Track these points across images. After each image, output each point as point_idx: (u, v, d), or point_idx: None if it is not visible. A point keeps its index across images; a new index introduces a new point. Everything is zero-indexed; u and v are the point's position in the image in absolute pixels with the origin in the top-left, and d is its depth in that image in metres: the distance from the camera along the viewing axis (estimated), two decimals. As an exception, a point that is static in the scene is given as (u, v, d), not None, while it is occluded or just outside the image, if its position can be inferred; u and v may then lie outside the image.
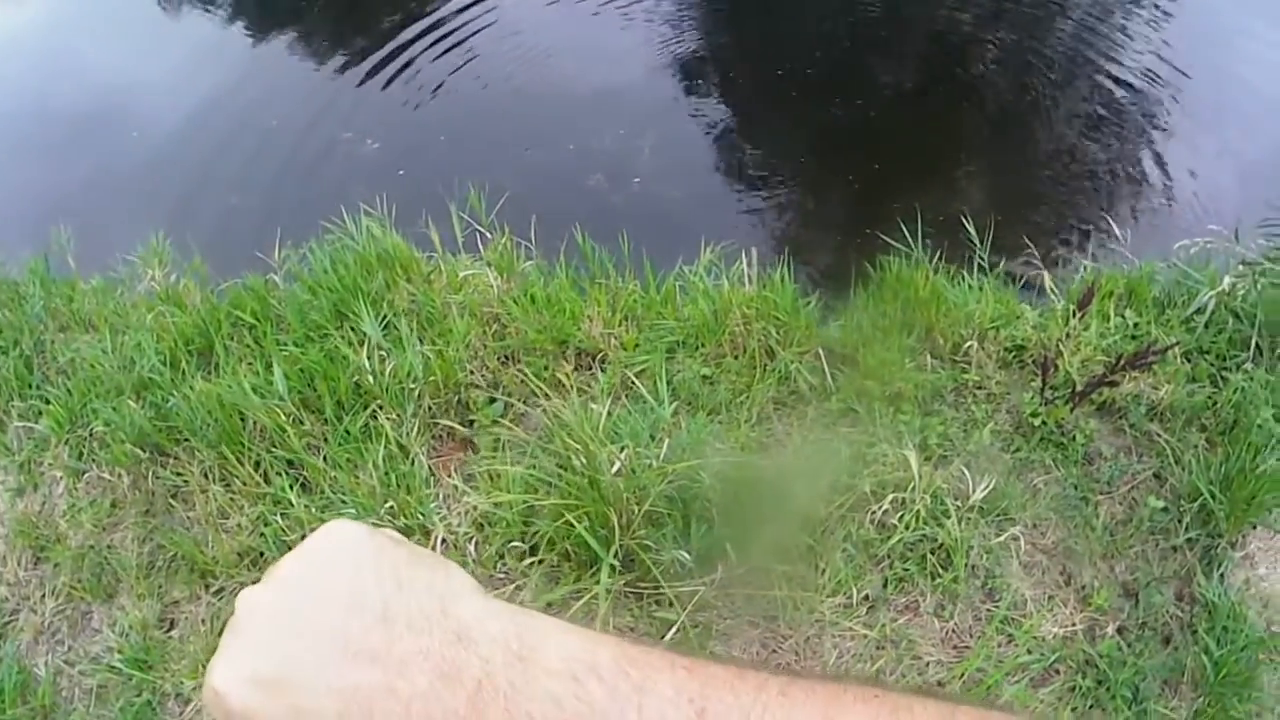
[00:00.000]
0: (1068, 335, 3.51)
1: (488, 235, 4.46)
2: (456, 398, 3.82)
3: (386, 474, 3.47)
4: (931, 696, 0.75)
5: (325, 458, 3.70)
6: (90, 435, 4.17)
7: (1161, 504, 3.31)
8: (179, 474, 3.92)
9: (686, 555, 3.01)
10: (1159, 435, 3.45)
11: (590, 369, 3.89)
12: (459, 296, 4.14)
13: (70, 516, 4.08)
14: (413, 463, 3.55)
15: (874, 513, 3.23)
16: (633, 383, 3.67)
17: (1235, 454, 3.28)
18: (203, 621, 3.65)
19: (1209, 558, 3.21)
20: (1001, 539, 3.22)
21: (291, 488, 3.63)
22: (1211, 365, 3.61)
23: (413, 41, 7.42)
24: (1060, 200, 5.56)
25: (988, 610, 3.12)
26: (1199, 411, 3.48)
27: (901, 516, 3.21)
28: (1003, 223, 4.18)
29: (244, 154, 6.52)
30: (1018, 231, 4.67)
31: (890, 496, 3.23)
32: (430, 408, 3.77)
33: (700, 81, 6.96)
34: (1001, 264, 4.05)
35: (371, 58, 7.30)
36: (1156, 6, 7.35)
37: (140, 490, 4.01)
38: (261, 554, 3.67)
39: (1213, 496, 3.24)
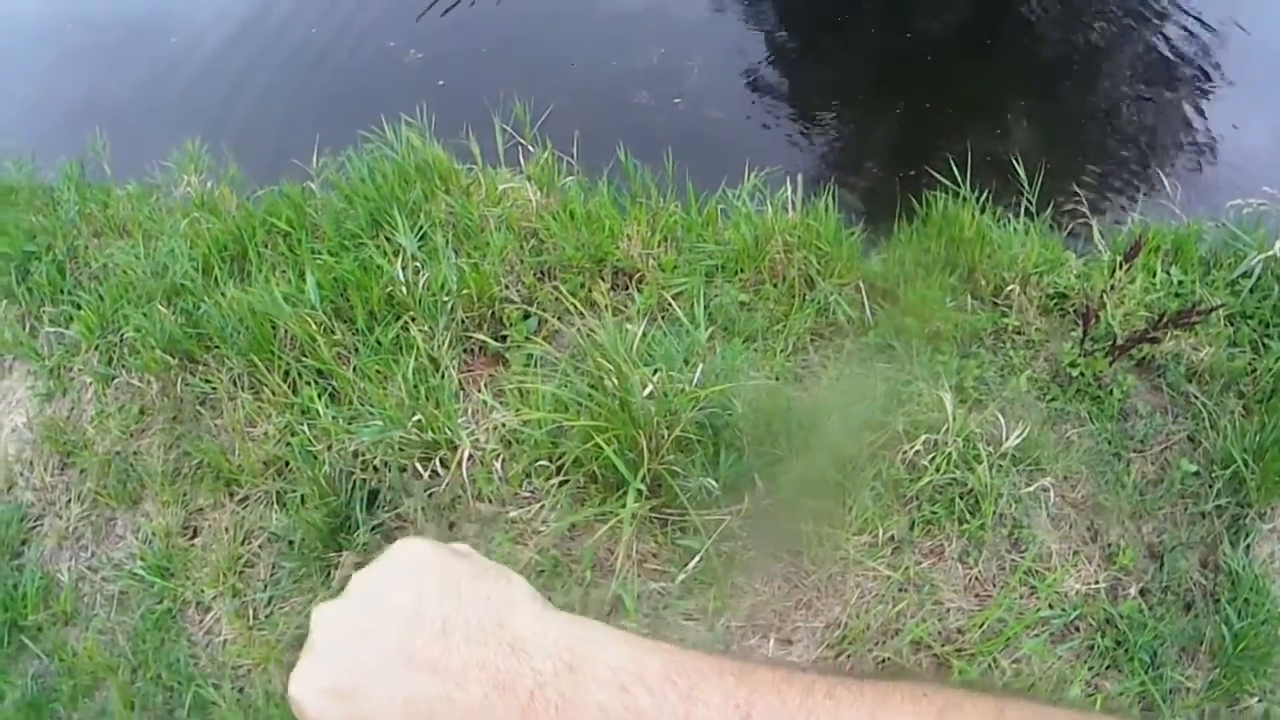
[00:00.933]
0: (1112, 287, 3.45)
1: (530, 149, 4.42)
2: (490, 312, 3.79)
3: (415, 387, 3.45)
4: (983, 693, 0.76)
5: (355, 368, 3.69)
6: (120, 341, 4.18)
7: (1194, 468, 3.26)
8: (208, 381, 3.93)
9: (714, 483, 2.99)
10: (1196, 397, 3.39)
11: (627, 289, 3.85)
12: (497, 210, 4.10)
13: (98, 422, 4.10)
14: (443, 376, 3.54)
15: (905, 453, 3.20)
16: (669, 305, 3.64)
17: (1272, 423, 3.21)
18: (226, 530, 3.66)
19: (1237, 527, 3.17)
20: (1031, 489, 3.19)
21: (319, 397, 3.62)
22: (1254, 331, 3.55)
23: None
24: (1112, 150, 5.46)
25: (1012, 560, 3.09)
26: (1238, 377, 3.42)
27: (933, 458, 3.17)
28: (1052, 169, 4.08)
29: (283, 62, 6.50)
30: (1067, 179, 4.61)
31: (923, 437, 3.19)
32: (463, 321, 3.75)
33: (749, 3, 6.86)
34: (1049, 210, 3.94)
35: None
36: None
37: (168, 397, 4.02)
38: (286, 463, 3.67)
39: (1245, 465, 3.19)
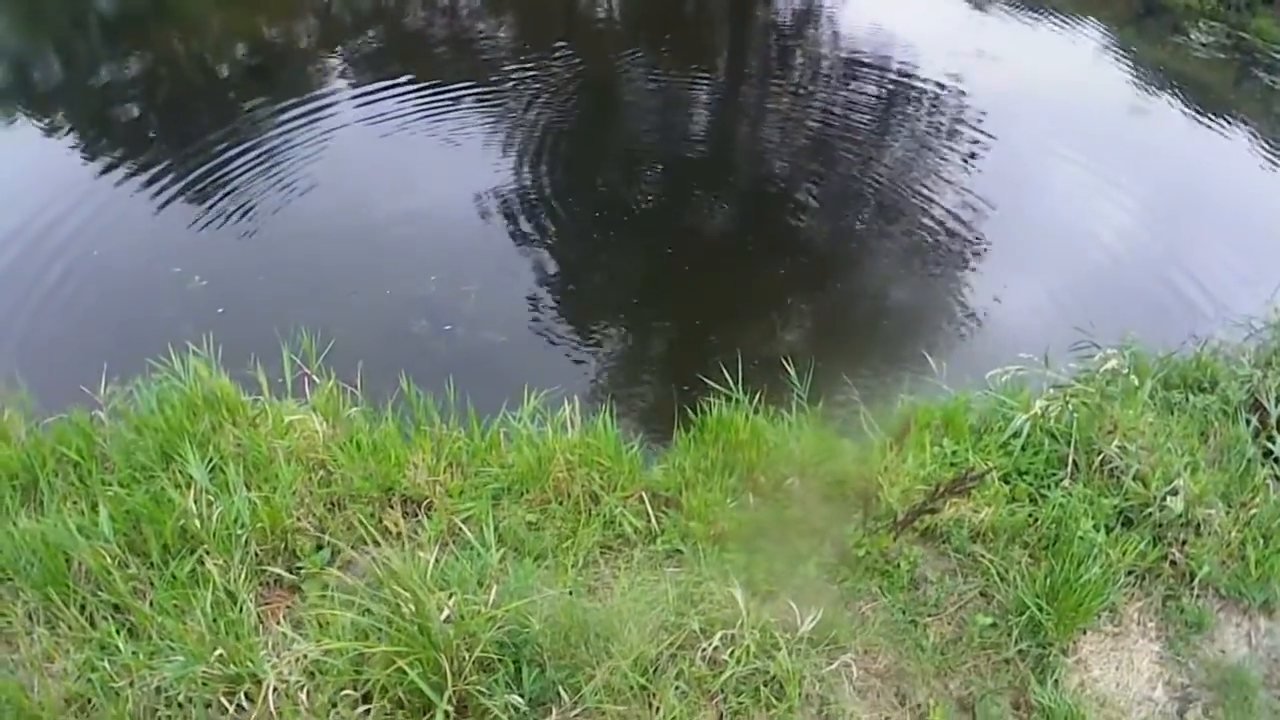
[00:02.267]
0: (886, 468, 3.63)
1: (316, 380, 4.43)
2: (284, 544, 3.75)
3: (215, 621, 3.36)
4: None
5: (151, 602, 3.57)
6: None
7: (990, 620, 3.43)
8: (2, 614, 3.74)
9: (520, 700, 2.99)
10: (983, 555, 3.58)
11: (416, 515, 3.87)
12: (285, 441, 4.08)
13: None
14: (241, 610, 3.44)
15: (704, 650, 3.26)
16: (459, 529, 3.68)
17: (1059, 566, 3.44)
18: (28, 773, 3.47)
19: (1041, 666, 3.35)
20: (834, 666, 3.28)
21: (118, 633, 3.49)
22: (1030, 485, 3.79)
23: (240, 177, 7.62)
24: (876, 337, 5.94)
25: (822, 736, 3.16)
26: (1020, 529, 3.63)
27: (732, 652, 3.24)
28: (821, 363, 4.34)
29: (65, 285, 6.42)
30: (836, 370, 4.86)
31: (719, 633, 3.27)
32: (257, 554, 3.69)
33: (520, 227, 7.22)
34: (821, 402, 4.21)
35: (202, 194, 7.44)
36: (964, 152, 8.06)
37: (-38, 630, 3.82)
38: (88, 700, 3.50)
39: (1040, 609, 3.38)
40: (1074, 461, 3.81)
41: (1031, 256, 6.61)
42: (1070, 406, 3.86)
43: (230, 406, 4.21)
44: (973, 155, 7.92)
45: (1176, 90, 9.89)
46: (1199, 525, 3.72)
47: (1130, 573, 3.63)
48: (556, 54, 10.09)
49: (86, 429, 4.26)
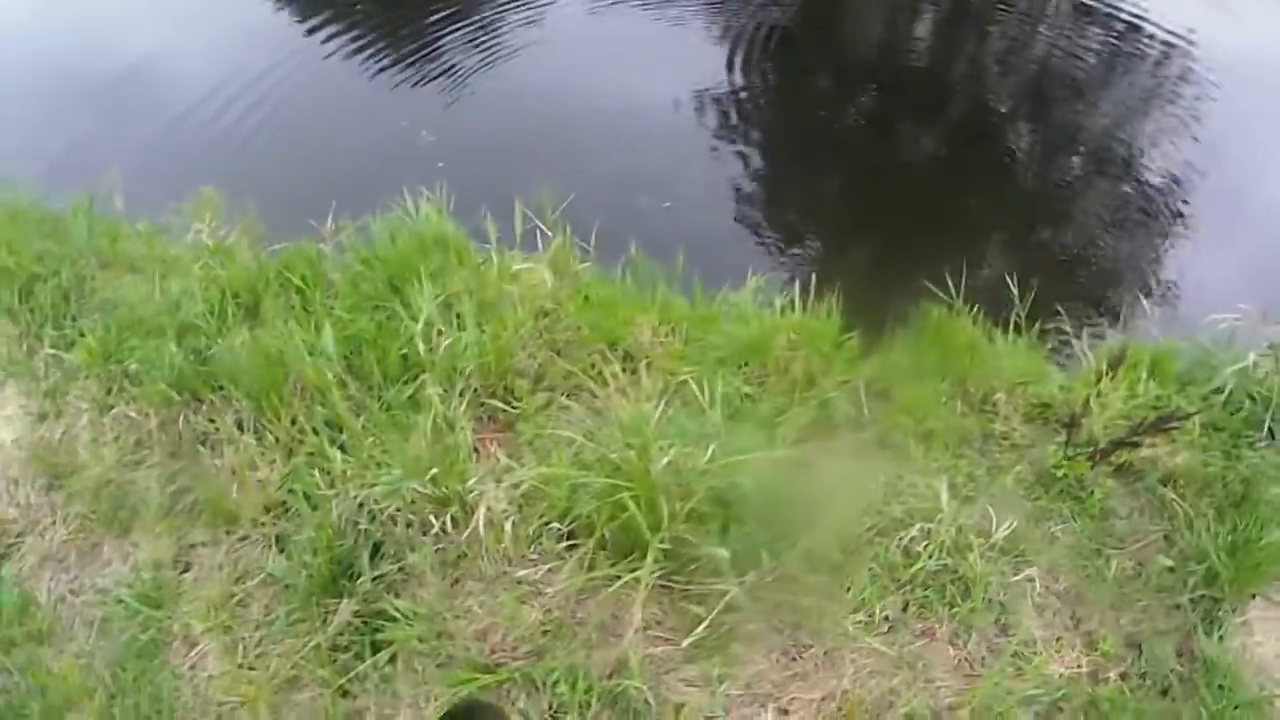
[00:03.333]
0: (1098, 394, 3.67)
1: (548, 234, 4.56)
2: (503, 383, 3.92)
3: (433, 444, 3.52)
4: None
5: (366, 422, 3.75)
6: (124, 373, 4.18)
7: (1170, 563, 3.48)
8: (211, 420, 3.96)
9: (724, 553, 3.11)
10: (1172, 500, 3.62)
11: (635, 372, 3.99)
12: (513, 287, 4.23)
13: (92, 449, 4.06)
14: (458, 436, 3.61)
15: (901, 539, 3.38)
16: (678, 389, 3.79)
17: (1244, 524, 3.47)
18: (220, 567, 3.65)
19: (1211, 618, 3.38)
20: (1018, 578, 3.38)
21: (331, 445, 3.67)
22: (1226, 442, 3.80)
23: (457, 43, 7.82)
24: (1091, 275, 5.88)
25: (1000, 643, 3.26)
26: (1211, 482, 3.66)
27: (926, 545, 3.36)
28: (1038, 288, 4.34)
29: (297, 127, 6.64)
30: (1050, 300, 4.86)
31: (918, 525, 3.39)
32: (477, 389, 3.86)
33: (736, 121, 7.29)
34: (1035, 326, 4.24)
35: (419, 57, 7.67)
36: (1186, 112, 7.77)
37: (168, 433, 4.02)
38: (289, 509, 3.69)
39: (1219, 560, 3.42)
40: (1270, 427, 3.82)
41: (1243, 229, 6.42)
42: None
43: (459, 250, 4.38)
44: (1192, 118, 7.66)
45: None
46: None
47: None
48: None
49: (313, 257, 4.47)
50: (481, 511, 3.33)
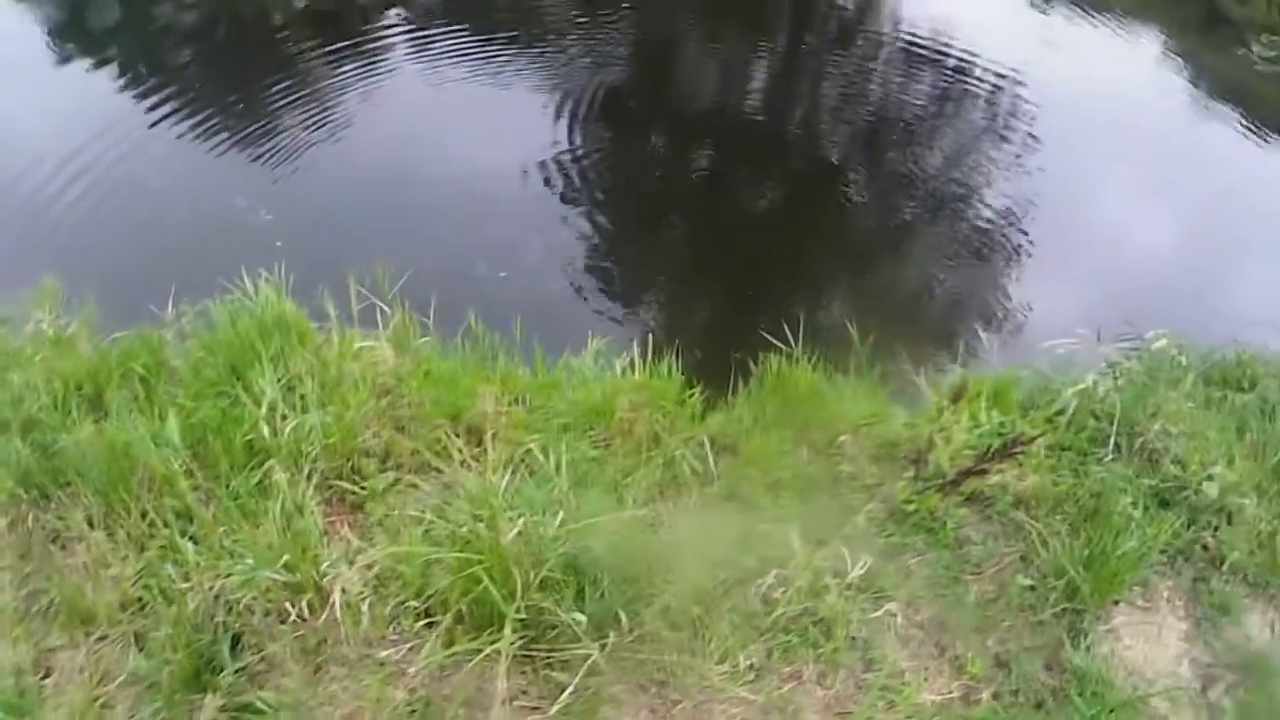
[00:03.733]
0: (941, 429, 3.75)
1: (386, 310, 4.54)
2: (350, 464, 3.86)
3: (283, 529, 3.45)
4: None
5: (216, 511, 3.67)
6: None
7: (1029, 582, 3.59)
8: (61, 518, 3.83)
9: (582, 618, 3.09)
10: (1025, 521, 3.72)
11: (480, 444, 3.97)
12: (354, 366, 4.20)
13: None
14: (308, 520, 3.54)
15: (758, 587, 3.40)
16: (524, 459, 3.79)
17: (1098, 536, 3.59)
18: (81, 670, 3.52)
19: (1075, 630, 3.49)
20: (878, 614, 3.42)
21: (182, 538, 3.58)
22: (1073, 460, 3.92)
23: (295, 119, 7.81)
24: (930, 313, 6.09)
25: (867, 679, 3.29)
26: (1062, 500, 3.79)
27: (784, 591, 3.38)
28: (876, 332, 4.46)
29: (137, 209, 6.56)
30: (890, 340, 4.94)
31: (773, 572, 3.41)
32: (324, 471, 3.80)
33: (574, 185, 7.38)
34: (877, 368, 4.37)
35: (257, 134, 7.60)
36: (1016, 148, 8.19)
37: (17, 532, 3.86)
38: (144, 604, 3.58)
39: (1078, 574, 3.53)
40: (1115, 441, 3.95)
41: (1076, 257, 6.74)
42: (1119, 384, 4.00)
43: (300, 330, 4.32)
44: (1021, 154, 8.02)
45: (1233, 102, 9.89)
46: (1231, 513, 3.88)
47: (1164, 552, 3.77)
48: (616, 15, 10.17)
49: (153, 345, 4.37)
50: (337, 595, 3.27)
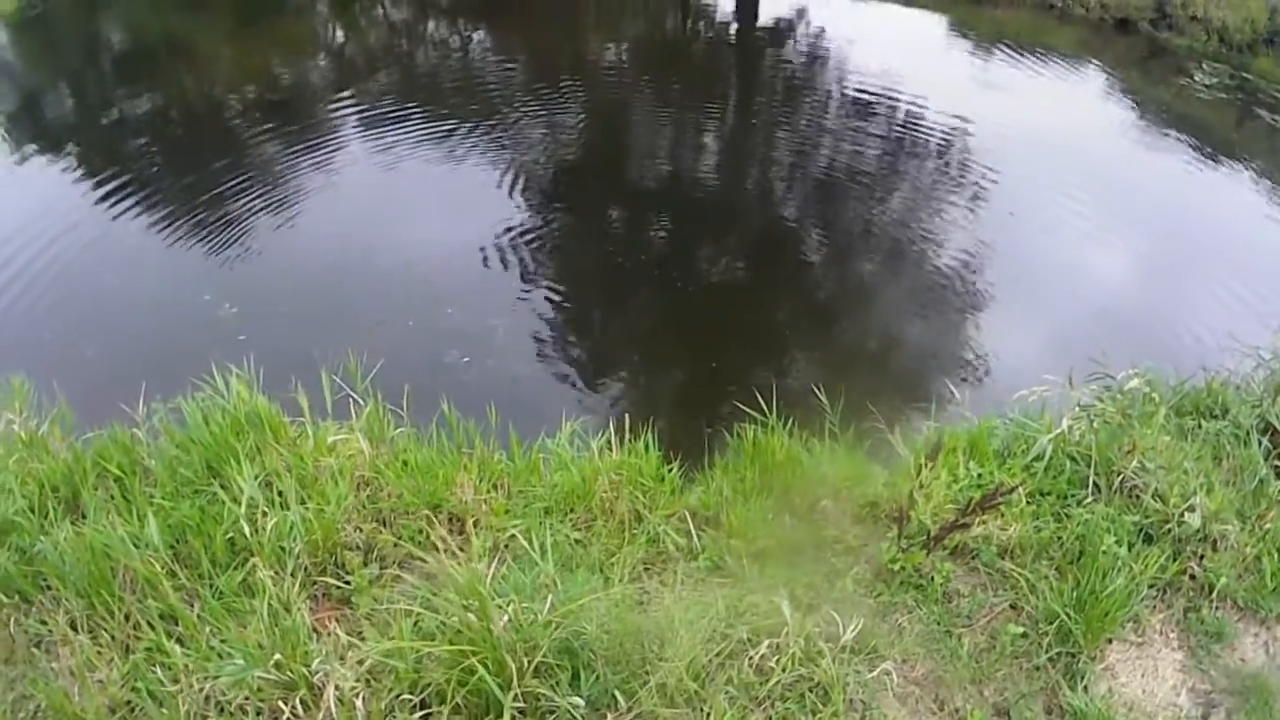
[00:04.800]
0: (920, 485, 3.78)
1: (360, 401, 4.53)
2: (333, 559, 3.85)
3: (271, 628, 3.42)
4: None
5: (200, 611, 3.63)
6: None
7: (1021, 630, 3.60)
8: (43, 622, 3.78)
9: (579, 701, 3.08)
10: (1011, 570, 3.74)
11: (463, 532, 3.98)
12: (331, 459, 4.19)
13: None
14: (295, 618, 3.51)
15: (752, 657, 3.38)
16: (507, 545, 3.81)
17: (1085, 578, 3.62)
18: (73, 781, 3.48)
19: (1071, 672, 3.52)
20: (875, 674, 3.41)
21: (168, 639, 3.54)
22: (1054, 505, 3.96)
23: (253, 210, 7.93)
24: (900, 370, 6.13)
25: (864, 742, 3.28)
26: (1046, 545, 3.83)
27: (778, 660, 3.36)
28: (849, 390, 4.52)
29: (99, 304, 6.59)
30: (863, 396, 4.98)
31: (766, 642, 3.39)
32: (307, 567, 3.78)
33: (532, 263, 7.47)
34: (851, 428, 4.41)
35: (215, 225, 7.70)
36: (970, 193, 8.44)
37: (-1, 637, 3.84)
38: (135, 708, 3.54)
39: (1069, 617, 3.56)
40: (1094, 482, 3.99)
41: (1038, 298, 6.85)
42: (1094, 425, 4.04)
43: (273, 425, 4.31)
44: (977, 197, 8.17)
45: (1180, 131, 10.16)
46: (1215, 541, 3.92)
47: (1152, 585, 3.81)
48: (565, 92, 10.43)
49: (127, 444, 4.35)
50: (330, 692, 3.23)
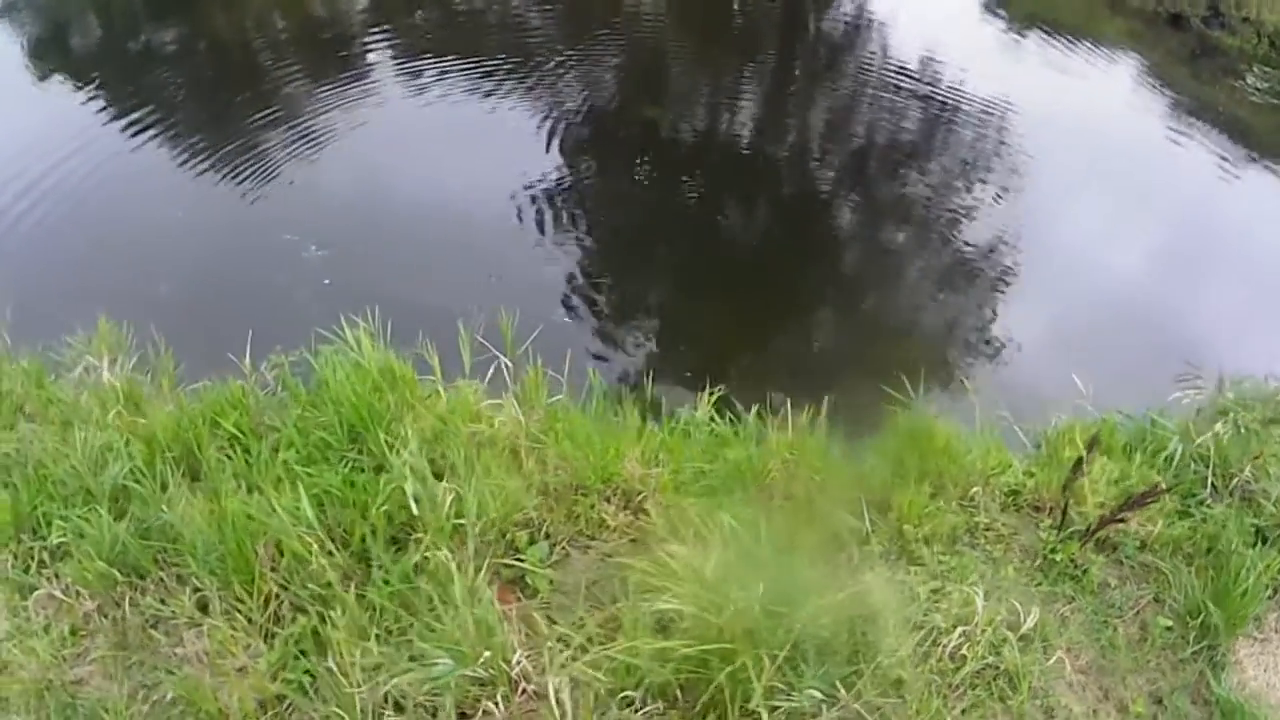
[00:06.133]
0: (1083, 475, 3.94)
1: (508, 365, 4.38)
2: (505, 538, 3.70)
3: (478, 619, 3.22)
4: None
5: (363, 596, 3.41)
6: (44, 547, 3.69)
7: (1169, 622, 3.82)
8: (163, 602, 3.52)
9: (818, 693, 3.11)
10: (1152, 564, 3.95)
11: (628, 508, 3.89)
12: (482, 427, 4.03)
13: (20, 642, 3.48)
14: (485, 608, 3.29)
15: (945, 645, 3.49)
16: (682, 525, 3.68)
17: (1219, 575, 3.88)
18: (221, 786, 3.23)
19: (1214, 664, 3.76)
20: (1050, 663, 3.58)
21: (325, 624, 3.30)
22: (1181, 503, 4.18)
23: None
24: (1023, 360, 6.24)
25: (1049, 726, 3.45)
26: (1180, 542, 4.04)
27: (969, 648, 3.48)
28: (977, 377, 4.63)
29: (171, 247, 6.25)
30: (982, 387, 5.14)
31: (958, 630, 3.52)
32: (476, 547, 3.59)
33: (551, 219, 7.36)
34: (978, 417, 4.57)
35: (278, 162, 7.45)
36: (1000, 181, 8.58)
37: (108, 617, 3.55)
38: (289, 704, 3.27)
39: (1210, 611, 3.79)
40: (1213, 484, 4.26)
41: (1068, 289, 7.11)
42: (1225, 430, 4.30)
43: (410, 387, 4.12)
44: (1006, 189, 8.34)
45: (1225, 132, 10.17)
46: None
47: (1269, 584, 4.04)
48: (604, 43, 10.26)
49: (242, 400, 4.11)
50: (550, 685, 3.11)
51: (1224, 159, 9.74)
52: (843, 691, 3.23)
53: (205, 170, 7.43)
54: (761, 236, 7.68)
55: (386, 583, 3.45)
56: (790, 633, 3.15)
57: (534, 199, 7.41)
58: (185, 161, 7.48)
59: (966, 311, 6.96)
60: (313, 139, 7.86)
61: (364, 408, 3.94)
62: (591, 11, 11.37)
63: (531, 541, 3.71)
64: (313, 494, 3.66)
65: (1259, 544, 4.13)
